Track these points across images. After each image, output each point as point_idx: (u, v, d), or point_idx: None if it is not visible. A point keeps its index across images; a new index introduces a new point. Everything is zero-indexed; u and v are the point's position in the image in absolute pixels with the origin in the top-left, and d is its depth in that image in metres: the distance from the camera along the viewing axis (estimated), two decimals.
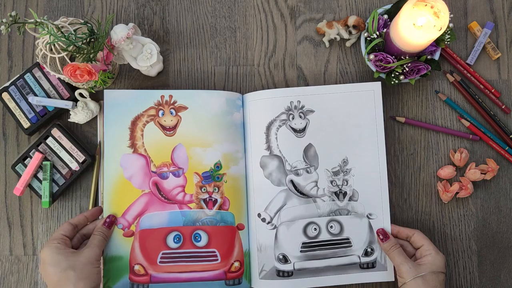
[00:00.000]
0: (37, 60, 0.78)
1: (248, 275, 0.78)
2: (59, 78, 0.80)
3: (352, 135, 0.79)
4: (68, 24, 0.73)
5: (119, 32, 0.74)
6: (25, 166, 0.80)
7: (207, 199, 0.78)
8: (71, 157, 0.80)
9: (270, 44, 0.85)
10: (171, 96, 0.79)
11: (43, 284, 0.81)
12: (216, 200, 0.78)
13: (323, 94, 0.80)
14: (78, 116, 0.80)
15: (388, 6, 0.81)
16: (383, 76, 0.80)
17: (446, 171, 0.80)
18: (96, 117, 0.83)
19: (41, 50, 0.74)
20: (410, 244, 0.77)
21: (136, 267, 0.75)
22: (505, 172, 0.82)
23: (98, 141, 0.82)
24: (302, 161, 0.79)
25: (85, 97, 0.80)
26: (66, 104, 0.80)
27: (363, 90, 0.80)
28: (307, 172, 0.79)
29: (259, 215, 0.78)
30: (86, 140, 0.83)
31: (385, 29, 0.78)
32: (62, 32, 0.70)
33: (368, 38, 0.79)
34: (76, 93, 0.80)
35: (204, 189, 0.78)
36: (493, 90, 0.83)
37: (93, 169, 0.81)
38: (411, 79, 0.78)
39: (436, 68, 0.79)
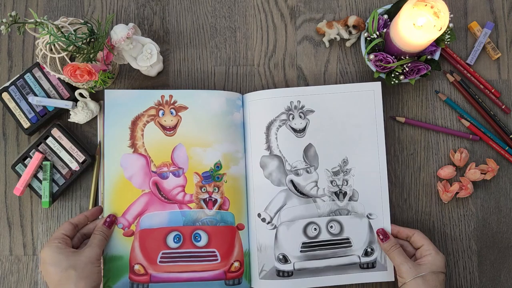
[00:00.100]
0: (37, 60, 0.78)
1: (248, 275, 0.78)
2: (59, 78, 0.80)
3: (352, 135, 0.79)
4: (68, 24, 0.73)
5: (119, 32, 0.74)
6: (25, 166, 0.80)
7: (207, 199, 0.78)
8: (71, 157, 0.80)
9: (270, 44, 0.85)
10: (171, 96, 0.79)
11: (43, 284, 0.81)
12: (216, 200, 0.78)
13: (323, 94, 0.80)
14: (78, 116, 0.80)
15: (388, 6, 0.81)
16: (383, 76, 0.80)
17: (446, 171, 0.80)
18: (96, 117, 0.83)
19: (41, 50, 0.74)
20: (410, 244, 0.77)
21: (136, 267, 0.75)
22: (505, 172, 0.82)
23: (98, 141, 0.82)
24: (302, 161, 0.79)
25: (85, 97, 0.80)
26: (66, 104, 0.80)
27: (363, 90, 0.80)
28: (307, 172, 0.79)
29: (259, 215, 0.78)
30: (86, 140, 0.83)
31: (385, 29, 0.78)
32: (62, 32, 0.70)
33: (368, 38, 0.79)
34: (76, 93, 0.80)
35: (204, 189, 0.78)
36: (493, 90, 0.83)
37: (93, 169, 0.81)
38: (411, 79, 0.78)
39: (436, 68, 0.79)
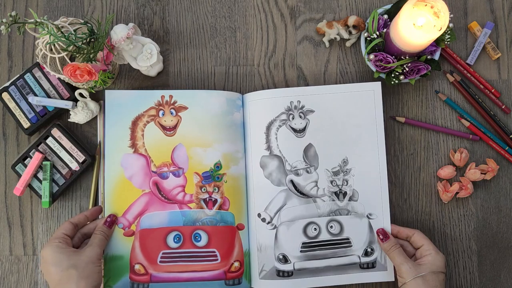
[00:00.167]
0: (37, 60, 0.78)
1: (248, 275, 0.78)
2: (59, 78, 0.80)
3: (352, 135, 0.79)
4: (68, 24, 0.73)
5: (119, 32, 0.74)
6: (25, 166, 0.80)
7: (207, 199, 0.78)
8: (71, 157, 0.80)
9: (270, 44, 0.85)
10: (171, 96, 0.79)
11: (43, 284, 0.81)
12: (216, 200, 0.78)
13: (323, 94, 0.80)
14: (78, 116, 0.80)
15: (388, 6, 0.81)
16: (383, 76, 0.80)
17: (446, 171, 0.80)
18: (96, 117, 0.83)
19: (41, 50, 0.74)
20: (410, 244, 0.77)
21: (137, 267, 0.75)
22: (505, 172, 0.82)
23: (98, 141, 0.82)
24: (302, 161, 0.79)
25: (85, 97, 0.80)
26: (66, 104, 0.80)
27: (363, 90, 0.80)
28: (307, 172, 0.78)
29: (259, 215, 0.78)
30: (86, 140, 0.83)
31: (385, 29, 0.78)
32: (62, 32, 0.70)
33: (368, 38, 0.79)
34: (76, 93, 0.80)
35: (204, 189, 0.78)
36: (493, 90, 0.83)
37: (93, 169, 0.81)
38: (411, 79, 0.78)
39: (436, 68, 0.79)
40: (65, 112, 0.82)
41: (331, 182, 0.79)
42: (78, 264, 0.69)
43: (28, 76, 0.81)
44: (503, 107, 0.83)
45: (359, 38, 0.83)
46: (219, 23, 0.85)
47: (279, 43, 0.85)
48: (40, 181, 0.80)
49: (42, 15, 0.85)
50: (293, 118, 0.79)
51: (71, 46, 0.71)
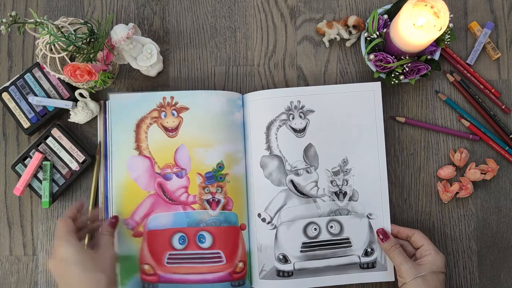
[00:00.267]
0: (37, 60, 0.78)
1: (248, 275, 0.78)
2: (59, 78, 0.80)
3: (352, 135, 0.79)
4: (68, 24, 0.73)
5: (119, 32, 0.74)
6: (25, 166, 0.80)
7: (211, 200, 0.78)
8: (71, 157, 0.80)
9: (270, 44, 0.85)
10: (172, 98, 0.79)
11: (43, 284, 0.81)
12: (219, 201, 0.78)
13: (323, 94, 0.80)
14: (78, 116, 0.80)
15: (388, 6, 0.81)
16: (383, 76, 0.80)
17: (446, 171, 0.80)
18: (96, 117, 0.83)
19: (41, 50, 0.74)
20: (410, 244, 0.77)
21: (146, 267, 0.76)
22: (505, 172, 0.82)
23: (98, 141, 0.82)
24: (302, 161, 0.79)
25: (85, 97, 0.80)
26: (66, 104, 0.80)
27: (363, 90, 0.80)
28: (307, 172, 0.78)
29: (259, 215, 0.78)
30: (86, 140, 0.83)
31: (385, 29, 0.78)
32: (62, 32, 0.70)
33: (368, 38, 0.79)
34: (76, 93, 0.80)
35: (207, 190, 0.78)
36: (493, 90, 0.83)
37: (93, 169, 0.81)
38: (411, 79, 0.78)
39: (436, 68, 0.79)
40: (65, 112, 0.82)
41: (331, 182, 0.78)
42: (106, 269, 0.67)
43: (28, 76, 0.81)
44: (503, 107, 0.83)
45: (359, 38, 0.83)
46: (219, 23, 0.85)
47: (279, 43, 0.85)
48: (40, 181, 0.80)
49: (42, 15, 0.85)
50: (293, 118, 0.79)
51: (71, 46, 0.71)
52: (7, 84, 0.80)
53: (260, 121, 0.79)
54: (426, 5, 0.73)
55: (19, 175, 0.79)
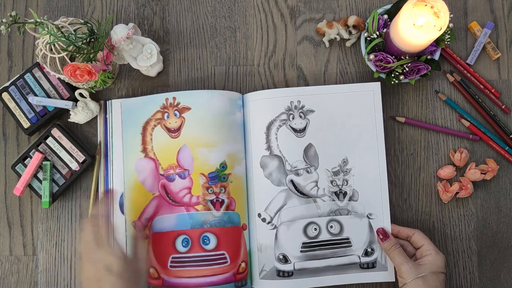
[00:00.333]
0: (37, 60, 0.78)
1: (249, 275, 0.78)
2: (59, 78, 0.80)
3: (352, 135, 0.79)
4: (68, 24, 0.73)
5: (119, 32, 0.74)
6: (25, 166, 0.79)
7: (214, 200, 0.77)
8: (71, 157, 0.80)
9: (270, 44, 0.85)
10: (174, 98, 0.79)
11: (43, 284, 0.81)
12: (223, 201, 0.77)
13: (323, 94, 0.80)
14: (78, 116, 0.80)
15: (388, 6, 0.81)
16: (383, 76, 0.80)
17: (446, 171, 0.80)
18: (96, 117, 0.83)
19: (41, 50, 0.74)
20: (410, 244, 0.77)
21: (151, 270, 0.76)
22: (505, 172, 0.82)
23: (98, 141, 0.82)
24: (302, 161, 0.79)
25: (85, 97, 0.80)
26: (66, 104, 0.80)
27: (363, 90, 0.80)
28: (307, 172, 0.78)
29: (259, 215, 0.78)
30: (86, 140, 0.83)
31: (385, 29, 0.78)
32: (62, 32, 0.70)
33: (368, 38, 0.79)
34: (76, 93, 0.80)
35: (211, 190, 0.77)
36: (493, 90, 0.83)
37: (93, 169, 0.81)
38: (411, 79, 0.78)
39: (436, 68, 0.79)
40: (65, 112, 0.82)
41: (331, 182, 0.78)
42: (140, 281, 0.67)
43: (28, 76, 0.81)
44: (503, 107, 0.83)
45: (359, 38, 0.83)
46: (219, 23, 0.85)
47: (279, 43, 0.85)
48: (40, 181, 0.80)
49: (42, 15, 0.85)
50: (293, 118, 0.79)
51: (71, 46, 0.71)
52: (7, 84, 0.80)
53: (260, 121, 0.79)
54: (426, 5, 0.73)
55: (19, 175, 0.79)
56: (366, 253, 0.78)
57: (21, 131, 0.83)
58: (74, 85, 0.79)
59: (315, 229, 0.78)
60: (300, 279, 0.77)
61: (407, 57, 0.77)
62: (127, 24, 0.75)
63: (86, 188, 0.82)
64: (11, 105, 0.80)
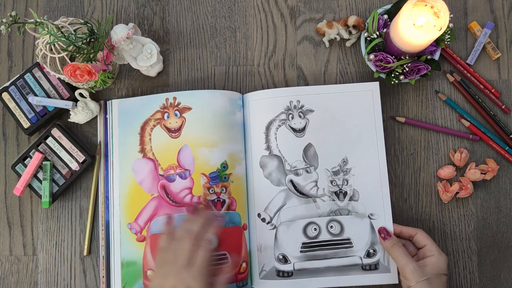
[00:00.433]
0: (37, 60, 0.78)
1: (249, 275, 0.78)
2: (59, 78, 0.80)
3: (351, 134, 0.79)
4: (68, 24, 0.73)
5: (119, 32, 0.74)
6: (25, 166, 0.80)
7: (215, 200, 0.77)
8: (71, 157, 0.80)
9: (270, 44, 0.85)
10: (175, 98, 0.79)
11: (42, 284, 0.81)
12: (224, 201, 0.77)
13: (322, 94, 0.80)
14: (78, 116, 0.80)
15: (388, 6, 0.81)
16: (383, 76, 0.80)
17: (446, 171, 0.80)
18: (96, 117, 0.83)
19: (41, 50, 0.74)
20: (412, 244, 0.76)
21: (149, 273, 0.75)
22: (505, 172, 0.82)
23: (98, 141, 0.82)
24: (301, 161, 0.78)
25: (85, 97, 0.80)
26: (66, 104, 0.80)
27: (362, 90, 0.80)
28: (307, 172, 0.78)
29: (259, 215, 0.78)
30: (86, 140, 0.83)
31: (385, 29, 0.78)
32: (62, 32, 0.70)
33: (368, 38, 0.79)
34: (76, 93, 0.80)
35: (212, 190, 0.77)
36: (493, 90, 0.83)
37: (93, 169, 0.81)
38: (411, 79, 0.78)
39: (436, 68, 0.79)
40: (65, 112, 0.82)
41: (331, 182, 0.78)
42: None
43: (28, 76, 0.81)
44: (503, 107, 0.83)
45: (359, 38, 0.83)
46: (219, 23, 0.85)
47: (279, 43, 0.85)
48: (40, 181, 0.80)
49: (42, 15, 0.85)
50: (292, 118, 0.79)
51: (71, 46, 0.71)
52: (7, 84, 0.81)
53: (260, 120, 0.79)
54: (426, 5, 0.73)
55: (19, 175, 0.79)
56: (368, 254, 0.77)
57: (21, 131, 0.83)
58: (74, 85, 0.79)
59: (315, 229, 0.77)
60: (300, 280, 0.76)
61: (407, 57, 0.77)
62: (127, 24, 0.75)
63: (86, 188, 0.82)
64: (11, 105, 0.80)
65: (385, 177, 0.78)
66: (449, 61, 0.84)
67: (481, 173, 0.80)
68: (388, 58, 0.77)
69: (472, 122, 0.82)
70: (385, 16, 0.79)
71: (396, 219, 0.81)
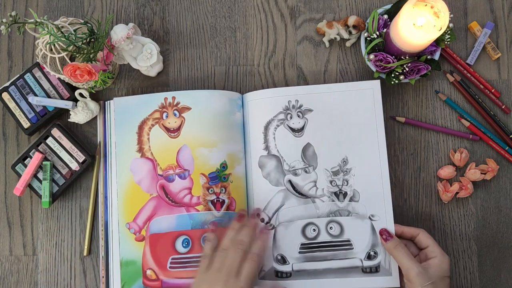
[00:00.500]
0: (37, 60, 0.78)
1: None
2: (59, 78, 0.80)
3: (351, 134, 0.78)
4: (68, 24, 0.73)
5: (119, 32, 0.74)
6: (25, 166, 0.80)
7: (215, 200, 0.77)
8: (71, 157, 0.80)
9: (270, 44, 0.85)
10: (174, 98, 0.79)
11: (42, 284, 0.81)
12: (223, 201, 0.77)
13: (321, 93, 0.79)
14: (78, 116, 0.80)
15: (388, 6, 0.81)
16: (383, 76, 0.80)
17: (446, 171, 0.80)
18: (96, 117, 0.83)
19: (41, 50, 0.74)
20: (413, 244, 0.75)
21: (148, 272, 0.75)
22: (505, 172, 0.82)
23: (98, 141, 0.82)
24: (300, 160, 0.78)
25: (85, 97, 0.80)
26: (66, 104, 0.80)
27: (362, 89, 0.79)
28: (306, 172, 0.78)
29: (258, 215, 0.78)
30: (86, 140, 0.83)
31: (385, 29, 0.77)
32: (62, 32, 0.70)
33: (368, 38, 0.79)
34: (76, 93, 0.80)
35: (212, 190, 0.77)
36: (493, 90, 0.83)
37: (93, 169, 0.81)
38: (411, 79, 0.78)
39: (436, 68, 0.79)
40: (65, 112, 0.82)
41: (331, 182, 0.78)
42: None
43: (28, 76, 0.81)
44: (503, 107, 0.83)
45: (359, 38, 0.83)
46: (219, 23, 0.85)
47: (279, 43, 0.85)
48: (40, 181, 0.80)
49: (42, 15, 0.85)
50: (291, 118, 0.79)
51: (71, 46, 0.71)
52: (7, 84, 0.81)
53: (259, 120, 0.79)
54: (426, 5, 0.73)
55: (19, 175, 0.79)
56: (369, 257, 0.76)
57: (21, 131, 0.83)
58: (74, 85, 0.79)
59: (314, 230, 0.77)
60: (299, 281, 0.75)
61: (407, 57, 0.77)
62: (127, 24, 0.75)
63: (86, 188, 0.82)
64: (11, 105, 0.80)
65: (387, 177, 0.77)
66: (449, 61, 0.84)
67: (481, 173, 0.80)
68: (388, 58, 0.77)
69: (472, 122, 0.82)
70: (385, 16, 0.79)
71: (396, 219, 0.81)
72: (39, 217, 0.82)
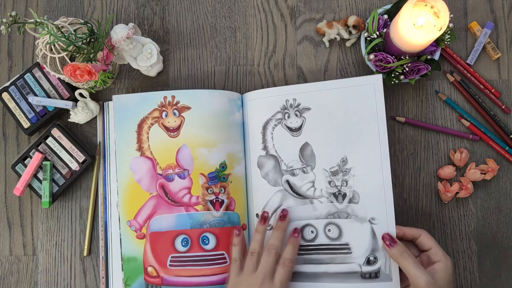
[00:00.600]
0: (37, 60, 0.79)
1: None
2: (59, 78, 0.80)
3: (351, 132, 0.76)
4: (68, 24, 0.73)
5: (119, 32, 0.74)
6: (25, 166, 0.80)
7: (214, 200, 0.77)
8: (71, 157, 0.80)
9: (270, 44, 0.85)
10: (173, 97, 0.79)
11: (42, 284, 0.81)
12: (222, 201, 0.77)
13: (319, 90, 0.77)
14: (78, 116, 0.80)
15: (388, 6, 0.81)
16: (383, 76, 0.79)
17: (446, 171, 0.80)
18: (96, 117, 0.83)
19: (41, 50, 0.74)
20: (414, 245, 0.73)
21: (149, 269, 0.76)
22: (505, 172, 0.82)
23: (98, 141, 0.82)
24: (298, 160, 0.77)
25: (85, 97, 0.81)
26: (66, 104, 0.80)
27: (363, 84, 0.75)
28: (303, 172, 0.77)
29: (257, 215, 0.78)
30: (86, 140, 0.83)
31: (385, 29, 0.77)
32: (62, 32, 0.70)
33: (368, 38, 0.79)
34: (76, 93, 0.80)
35: (211, 190, 0.77)
36: (493, 90, 0.83)
37: (93, 169, 0.81)
38: (411, 79, 0.78)
39: (436, 68, 0.78)
40: (65, 112, 0.82)
41: (329, 182, 0.76)
42: None
43: (28, 76, 0.81)
44: (503, 107, 0.83)
45: (359, 38, 0.83)
46: (219, 23, 0.85)
47: (279, 43, 0.85)
48: (40, 181, 0.80)
49: (42, 15, 0.85)
50: (288, 117, 0.78)
51: (71, 46, 0.71)
52: (7, 84, 0.81)
53: (257, 120, 0.79)
54: (426, 5, 0.73)
55: (19, 175, 0.79)
56: (368, 262, 0.73)
57: (21, 131, 0.83)
58: (74, 85, 0.79)
59: (312, 231, 0.75)
60: (296, 283, 0.74)
61: (407, 57, 0.77)
62: (127, 24, 0.75)
63: (86, 188, 0.82)
64: (11, 105, 0.80)
65: (388, 178, 0.73)
66: (449, 61, 0.84)
67: (481, 173, 0.80)
68: (388, 58, 0.77)
69: (472, 122, 0.82)
70: (385, 16, 0.79)
71: (396, 220, 0.80)
72: (39, 217, 0.82)
